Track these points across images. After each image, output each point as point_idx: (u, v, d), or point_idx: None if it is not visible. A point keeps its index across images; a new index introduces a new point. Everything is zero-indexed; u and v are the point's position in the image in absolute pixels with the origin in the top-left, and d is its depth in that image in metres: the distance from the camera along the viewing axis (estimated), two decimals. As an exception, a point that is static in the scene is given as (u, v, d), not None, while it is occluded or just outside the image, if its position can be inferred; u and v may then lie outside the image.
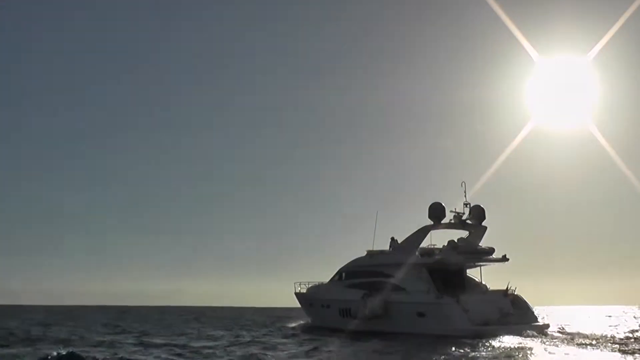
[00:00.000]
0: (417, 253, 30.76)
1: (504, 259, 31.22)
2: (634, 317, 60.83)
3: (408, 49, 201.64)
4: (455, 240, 31.06)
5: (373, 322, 31.10)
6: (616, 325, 39.57)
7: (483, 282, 32.05)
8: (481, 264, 31.88)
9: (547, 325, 29.53)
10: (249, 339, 28.41)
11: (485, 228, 32.20)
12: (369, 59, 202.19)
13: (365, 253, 34.10)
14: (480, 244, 31.95)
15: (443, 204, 31.35)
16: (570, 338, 26.32)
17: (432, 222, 31.16)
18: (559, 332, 29.28)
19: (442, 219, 31.20)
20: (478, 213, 31.73)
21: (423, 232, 31.23)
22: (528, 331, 27.05)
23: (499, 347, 22.29)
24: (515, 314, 29.15)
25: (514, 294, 30.48)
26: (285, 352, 22.32)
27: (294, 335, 32.14)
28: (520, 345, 23.00)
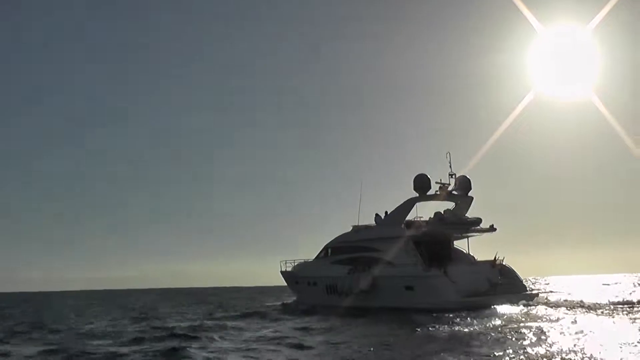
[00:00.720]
0: (403, 226, 30.20)
1: (492, 229, 30.77)
2: (634, 284, 61.03)
3: (403, 20, 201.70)
4: (442, 212, 30.49)
5: (360, 297, 30.64)
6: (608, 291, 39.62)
7: (471, 253, 31.67)
8: (468, 234, 31.44)
9: (536, 294, 29.24)
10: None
11: (471, 198, 31.69)
12: (365, 30, 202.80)
13: (351, 228, 33.55)
14: (467, 215, 31.50)
15: (428, 176, 30.76)
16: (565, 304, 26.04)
17: (417, 195, 30.58)
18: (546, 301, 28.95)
19: (427, 191, 30.63)
20: (464, 184, 31.18)
21: (408, 204, 30.65)
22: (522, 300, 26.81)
23: (495, 317, 21.97)
24: (503, 284, 28.81)
25: (501, 264, 30.14)
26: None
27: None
28: (517, 314, 22.71)
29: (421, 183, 30.44)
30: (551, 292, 37.17)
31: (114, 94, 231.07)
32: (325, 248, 34.80)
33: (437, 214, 30.04)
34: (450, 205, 31.83)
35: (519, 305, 25.49)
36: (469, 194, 31.59)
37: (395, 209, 31.13)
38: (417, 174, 30.76)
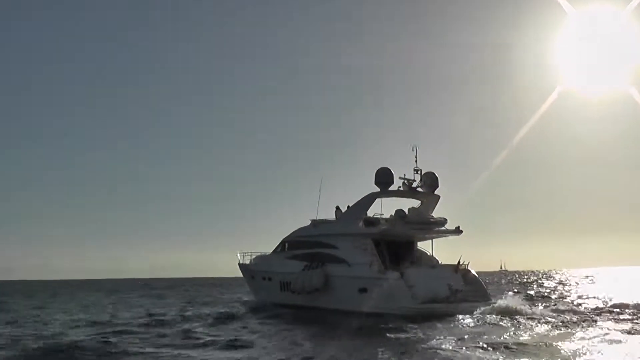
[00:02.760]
0: (361, 223, 28.02)
1: (457, 231, 28.60)
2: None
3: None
4: (406, 210, 28.30)
5: (313, 297, 28.59)
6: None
7: (434, 256, 29.52)
8: (432, 235, 29.29)
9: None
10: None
11: (437, 197, 29.49)
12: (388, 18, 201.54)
13: (310, 222, 31.36)
14: (432, 214, 29.35)
15: (391, 169, 28.51)
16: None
17: (378, 189, 28.35)
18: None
19: (389, 186, 28.37)
20: (430, 180, 28.97)
21: (368, 200, 28.42)
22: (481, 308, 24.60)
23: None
24: (466, 291, 26.68)
25: (465, 269, 27.99)
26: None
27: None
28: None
29: (383, 177, 28.19)
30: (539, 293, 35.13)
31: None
32: (283, 242, 32.60)
33: (398, 211, 27.83)
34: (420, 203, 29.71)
35: (474, 316, 23.26)
36: (436, 191, 29.40)
37: (355, 204, 28.92)
38: (380, 167, 28.48)
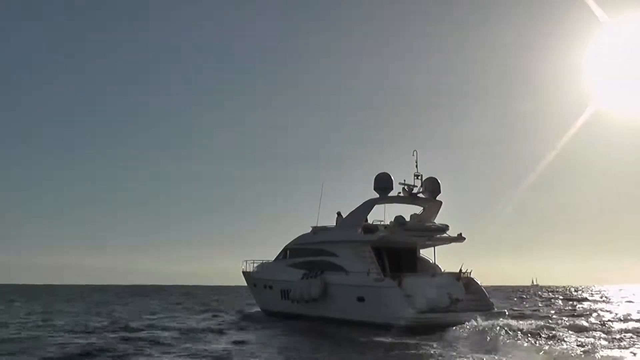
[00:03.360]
0: (360, 230, 27.26)
1: (460, 238, 27.65)
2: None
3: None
4: (408, 216, 27.51)
5: (312, 306, 27.91)
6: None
7: (437, 264, 28.56)
8: (434, 243, 28.36)
9: (503, 313, 25.93)
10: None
11: (440, 203, 28.59)
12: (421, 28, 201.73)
13: (310, 229, 30.71)
14: (434, 221, 28.45)
15: (391, 175, 27.75)
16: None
17: (377, 195, 27.60)
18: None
19: (388, 192, 27.60)
20: (432, 186, 28.11)
21: (367, 206, 27.69)
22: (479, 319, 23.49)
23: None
24: (466, 300, 25.65)
25: (468, 277, 26.97)
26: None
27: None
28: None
29: (382, 183, 27.43)
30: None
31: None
32: (285, 249, 32.01)
33: (397, 218, 26.98)
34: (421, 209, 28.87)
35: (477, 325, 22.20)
36: (438, 197, 28.52)
37: (354, 210, 28.20)
38: (379, 172, 27.74)
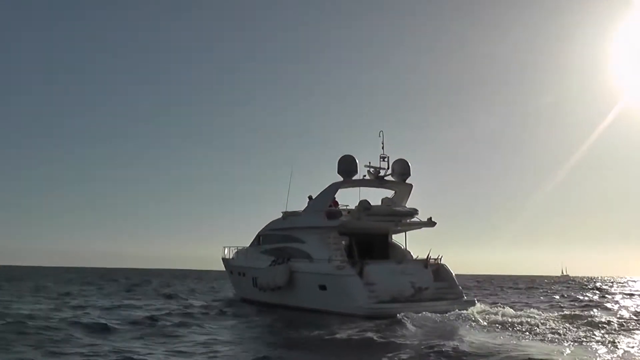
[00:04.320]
0: (323, 215, 26.16)
1: (430, 222, 26.34)
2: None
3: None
4: (368, 200, 26.27)
5: (279, 294, 27.03)
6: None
7: (408, 249, 27.36)
8: (403, 228, 27.14)
9: (472, 302, 24.60)
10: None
11: (410, 186, 27.34)
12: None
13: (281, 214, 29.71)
14: (405, 205, 27.22)
15: (355, 157, 26.56)
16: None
17: (342, 179, 26.45)
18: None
19: (353, 175, 26.41)
20: (400, 169, 26.86)
21: (331, 190, 26.56)
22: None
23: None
24: (432, 289, 24.43)
25: (438, 264, 25.72)
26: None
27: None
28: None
29: (345, 165, 26.23)
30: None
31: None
32: (258, 235, 31.10)
33: (362, 202, 25.77)
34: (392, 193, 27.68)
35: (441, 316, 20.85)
36: (408, 180, 27.25)
37: (318, 195, 27.13)
38: (343, 154, 26.57)
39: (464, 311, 21.89)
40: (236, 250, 33.68)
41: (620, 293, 50.38)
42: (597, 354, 13.74)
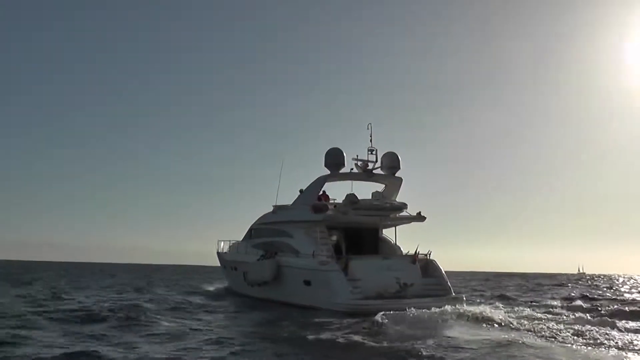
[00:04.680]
0: (310, 208, 25.75)
1: (420, 217, 25.83)
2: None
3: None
4: (354, 193, 25.83)
5: (266, 289, 26.74)
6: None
7: (398, 245, 26.86)
8: (392, 222, 26.66)
9: (461, 299, 23.99)
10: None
11: (399, 180, 26.84)
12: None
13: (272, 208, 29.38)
14: (395, 199, 26.73)
15: (342, 150, 26.11)
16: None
17: (329, 172, 26.04)
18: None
19: (340, 168, 26.00)
20: (389, 162, 26.38)
21: (317, 184, 26.18)
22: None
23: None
24: (422, 285, 23.89)
25: (426, 260, 25.19)
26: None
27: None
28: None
29: (332, 158, 25.83)
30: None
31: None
32: (250, 229, 30.81)
33: (348, 196, 25.31)
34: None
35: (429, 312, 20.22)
36: (398, 174, 26.75)
37: (306, 188, 26.73)
38: (330, 147, 26.13)
39: (449, 307, 21.34)
40: (230, 244, 33.45)
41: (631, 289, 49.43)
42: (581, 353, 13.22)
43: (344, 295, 22.09)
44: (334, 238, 26.17)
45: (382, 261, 24.35)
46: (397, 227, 27.11)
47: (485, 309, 22.00)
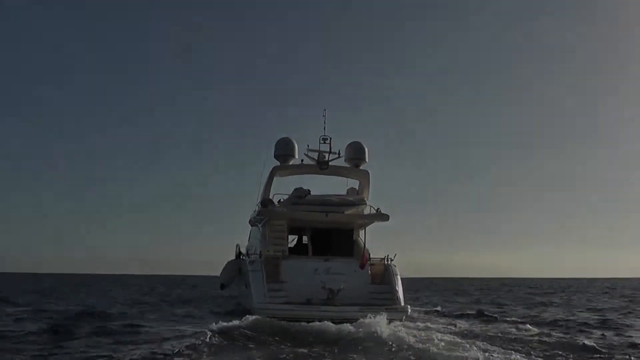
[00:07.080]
0: (259, 205, 23.46)
1: (380, 215, 22.20)
2: None
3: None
4: (304, 188, 22.94)
5: (234, 290, 25.51)
6: None
7: (367, 247, 23.19)
8: (361, 222, 23.21)
9: (405, 310, 19.84)
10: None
11: (365, 173, 23.36)
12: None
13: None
14: (366, 196, 23.35)
15: (292, 139, 23.39)
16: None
17: (278, 164, 23.49)
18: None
19: (290, 159, 23.31)
20: (352, 153, 23.15)
21: (268, 178, 23.68)
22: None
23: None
24: (365, 292, 20.33)
25: (383, 265, 21.50)
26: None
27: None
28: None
29: (281, 149, 23.27)
30: None
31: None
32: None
33: (297, 190, 22.59)
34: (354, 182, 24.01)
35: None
36: (365, 167, 23.30)
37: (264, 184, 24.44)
38: (281, 137, 23.57)
39: (374, 318, 17.69)
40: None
41: None
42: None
43: (258, 298, 19.64)
44: (305, 239, 23.73)
45: (321, 263, 21.17)
46: (366, 228, 23.45)
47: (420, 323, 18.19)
